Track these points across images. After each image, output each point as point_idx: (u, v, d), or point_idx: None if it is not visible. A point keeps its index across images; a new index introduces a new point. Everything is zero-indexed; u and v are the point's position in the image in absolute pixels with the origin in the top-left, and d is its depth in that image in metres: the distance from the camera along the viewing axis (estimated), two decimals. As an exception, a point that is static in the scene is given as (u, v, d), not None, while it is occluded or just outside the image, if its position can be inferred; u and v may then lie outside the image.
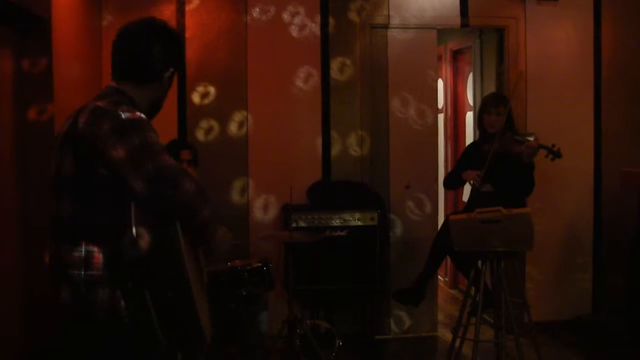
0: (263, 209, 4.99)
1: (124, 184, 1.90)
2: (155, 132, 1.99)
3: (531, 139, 4.14)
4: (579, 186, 5.33)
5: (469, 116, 6.26)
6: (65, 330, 2.10)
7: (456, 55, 6.61)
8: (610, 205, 5.31)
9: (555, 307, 5.30)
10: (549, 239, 5.21)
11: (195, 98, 4.93)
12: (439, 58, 6.44)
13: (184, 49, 4.74)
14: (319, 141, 5.05)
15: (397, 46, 5.13)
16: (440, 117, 6.53)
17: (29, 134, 3.66)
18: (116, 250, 1.93)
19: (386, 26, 5.10)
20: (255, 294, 3.87)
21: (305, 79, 5.00)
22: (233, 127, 4.97)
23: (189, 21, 4.90)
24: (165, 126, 3.84)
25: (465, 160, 4.54)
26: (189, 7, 4.90)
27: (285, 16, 4.97)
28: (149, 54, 2.15)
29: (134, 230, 1.89)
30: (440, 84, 6.61)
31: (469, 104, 6.29)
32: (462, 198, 6.06)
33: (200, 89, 4.93)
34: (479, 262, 4.18)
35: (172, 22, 4.80)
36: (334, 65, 5.05)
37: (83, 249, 1.96)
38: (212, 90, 4.94)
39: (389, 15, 5.07)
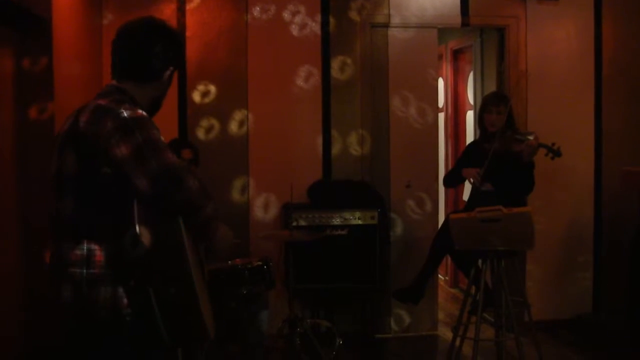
0: (263, 208, 4.99)
1: (126, 182, 1.91)
2: (158, 130, 2.00)
3: (531, 137, 4.14)
4: (579, 185, 5.33)
5: (470, 115, 6.25)
6: (66, 330, 2.10)
7: (457, 54, 6.61)
8: (611, 204, 5.31)
9: (555, 306, 5.30)
10: (550, 238, 5.22)
11: (196, 97, 4.93)
12: (440, 57, 6.44)
13: (183, 48, 4.74)
14: (319, 140, 5.05)
15: (397, 45, 5.13)
16: (441, 116, 6.53)
17: (29, 133, 3.66)
18: (118, 248, 1.93)
19: (387, 25, 5.10)
20: (255, 292, 3.87)
21: (305, 78, 5.00)
22: (233, 126, 4.97)
23: (190, 20, 4.90)
24: (165, 125, 3.83)
25: (465, 159, 4.54)
26: (189, 6, 4.90)
27: (286, 15, 4.97)
28: (149, 54, 2.15)
29: (136, 228, 1.89)
30: (441, 83, 6.61)
31: (469, 103, 6.29)
32: (462, 197, 6.06)
33: (201, 87, 4.93)
34: (480, 261, 4.18)
35: (173, 21, 4.80)
36: (335, 64, 5.05)
37: (84, 247, 1.97)
38: (212, 89, 4.94)
39: (389, 14, 5.06)
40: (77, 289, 1.98)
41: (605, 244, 5.34)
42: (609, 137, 5.32)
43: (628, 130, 5.30)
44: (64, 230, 2.02)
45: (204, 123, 4.94)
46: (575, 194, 5.33)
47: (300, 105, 5.02)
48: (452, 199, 6.55)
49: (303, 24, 4.99)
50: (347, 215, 4.76)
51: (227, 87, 4.96)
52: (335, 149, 5.07)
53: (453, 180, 4.65)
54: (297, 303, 4.83)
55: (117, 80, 2.18)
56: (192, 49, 4.89)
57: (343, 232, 4.76)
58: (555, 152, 4.13)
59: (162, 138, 1.99)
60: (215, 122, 4.94)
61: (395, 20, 5.08)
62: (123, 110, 1.96)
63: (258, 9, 4.95)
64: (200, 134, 4.93)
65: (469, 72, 6.25)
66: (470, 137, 6.05)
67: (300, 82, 5.00)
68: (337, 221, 4.76)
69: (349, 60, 5.06)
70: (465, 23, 5.18)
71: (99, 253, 1.96)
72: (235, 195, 4.98)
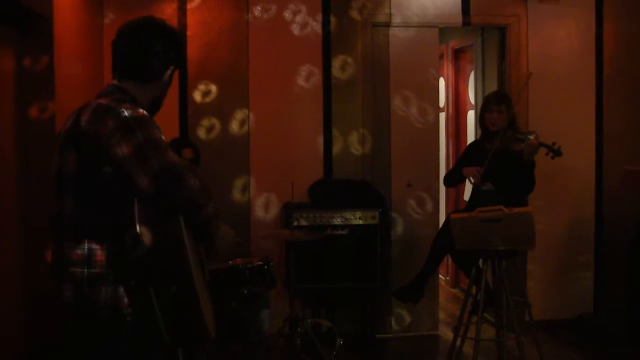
0: (264, 208, 4.99)
1: (127, 181, 1.91)
2: (159, 129, 2.00)
3: (531, 137, 4.14)
4: (580, 185, 5.32)
5: (471, 115, 6.25)
6: (66, 330, 2.10)
7: (458, 53, 6.61)
8: (611, 204, 5.31)
9: (556, 306, 5.30)
10: (550, 238, 5.21)
11: (197, 96, 4.93)
12: (441, 56, 6.44)
13: (184, 48, 4.74)
14: (320, 139, 5.05)
15: (398, 44, 5.13)
16: (442, 116, 6.52)
17: (30, 133, 3.65)
18: (119, 247, 1.93)
19: (388, 24, 5.09)
20: (256, 292, 3.87)
21: (306, 78, 5.00)
22: (234, 126, 4.96)
23: (191, 19, 4.90)
24: (166, 124, 3.83)
25: (466, 159, 4.54)
26: (190, 5, 4.90)
27: (287, 14, 4.97)
28: (150, 54, 2.15)
29: (137, 227, 1.89)
30: (442, 82, 6.61)
31: (470, 102, 6.29)
32: (463, 197, 6.06)
33: (202, 87, 4.93)
34: (480, 261, 4.18)
35: (174, 20, 4.80)
36: (336, 63, 5.04)
37: (85, 247, 1.97)
38: (213, 88, 4.94)
39: (390, 14, 5.06)
40: (78, 289, 1.98)
41: (606, 244, 5.34)
42: (610, 136, 5.32)
43: (629, 130, 5.30)
44: (65, 229, 2.02)
45: (205, 122, 4.93)
46: (576, 194, 5.32)
47: (301, 105, 5.02)
48: (453, 199, 6.55)
49: (304, 23, 4.99)
50: (348, 214, 4.76)
51: (228, 86, 4.96)
52: (336, 149, 5.07)
53: (453, 179, 4.65)
54: (298, 303, 4.83)
55: (117, 80, 2.18)
56: (193, 49, 4.89)
57: (344, 232, 4.75)
58: (555, 152, 4.13)
59: (163, 137, 1.99)
60: (216, 122, 4.94)
61: (396, 19, 5.07)
62: (124, 110, 1.96)
63: (259, 8, 4.95)
64: (201, 133, 4.93)
65: (470, 71, 6.24)
66: (471, 137, 6.04)
67: (301, 81, 5.00)
68: (338, 221, 4.76)
69: (350, 60, 5.06)
70: (466, 22, 5.18)
71: (99, 252, 1.96)
72: (236, 194, 4.98)
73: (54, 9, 3.67)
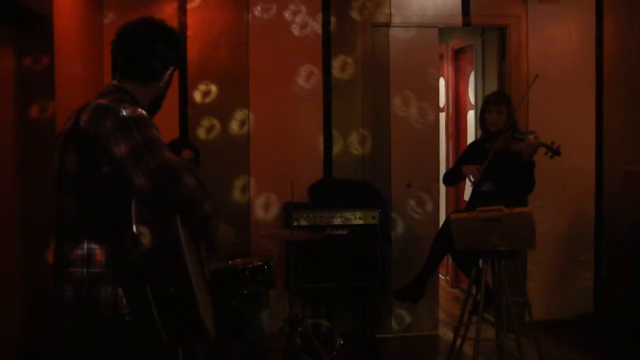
0: (264, 208, 4.99)
1: (126, 181, 1.91)
2: (157, 129, 2.00)
3: (531, 137, 4.14)
4: (580, 185, 5.32)
5: (471, 115, 6.25)
6: (66, 329, 2.10)
7: (458, 54, 6.61)
8: (612, 204, 5.31)
9: (556, 306, 5.30)
10: (551, 238, 5.22)
11: (197, 96, 4.92)
12: (441, 57, 6.44)
13: (183, 48, 4.74)
14: (320, 139, 5.05)
15: (398, 45, 5.13)
16: (442, 116, 6.52)
17: (30, 132, 3.65)
18: (118, 247, 1.93)
19: (388, 25, 5.09)
20: (256, 292, 3.88)
21: (306, 78, 5.00)
22: (234, 126, 4.96)
23: (191, 19, 4.89)
24: (166, 124, 3.84)
25: (466, 159, 4.54)
26: (190, 5, 4.89)
27: (287, 14, 4.97)
28: (149, 54, 2.16)
29: (134, 227, 1.89)
30: (442, 82, 6.61)
31: (470, 102, 6.28)
32: (463, 197, 6.06)
33: (202, 87, 4.93)
34: (480, 261, 4.18)
35: (174, 20, 4.80)
36: (336, 63, 5.04)
37: (85, 247, 1.97)
38: (213, 88, 4.94)
39: (390, 14, 5.06)
40: (77, 289, 1.98)
41: (606, 244, 5.34)
42: (610, 136, 5.32)
43: (629, 130, 5.30)
44: (65, 229, 2.02)
45: (205, 123, 4.93)
46: (576, 194, 5.32)
47: (301, 105, 5.02)
48: (453, 199, 6.55)
49: (304, 23, 4.98)
50: (348, 214, 4.76)
51: (228, 86, 4.95)
52: (336, 149, 5.07)
53: (453, 178, 4.65)
54: (298, 303, 4.82)
55: (117, 80, 2.18)
56: (193, 49, 4.89)
57: (344, 232, 4.75)
58: (554, 151, 4.13)
59: (162, 137, 1.99)
60: (216, 122, 4.94)
61: (396, 19, 5.07)
62: (122, 109, 1.97)
63: (259, 8, 4.95)
64: (201, 133, 4.92)
65: (470, 71, 6.24)
66: (471, 137, 6.04)
67: (301, 81, 5.00)
68: (338, 221, 4.76)
69: (350, 60, 5.06)
70: (466, 23, 5.18)
71: (99, 252, 1.97)
72: (236, 195, 4.98)
73: (54, 8, 3.67)
